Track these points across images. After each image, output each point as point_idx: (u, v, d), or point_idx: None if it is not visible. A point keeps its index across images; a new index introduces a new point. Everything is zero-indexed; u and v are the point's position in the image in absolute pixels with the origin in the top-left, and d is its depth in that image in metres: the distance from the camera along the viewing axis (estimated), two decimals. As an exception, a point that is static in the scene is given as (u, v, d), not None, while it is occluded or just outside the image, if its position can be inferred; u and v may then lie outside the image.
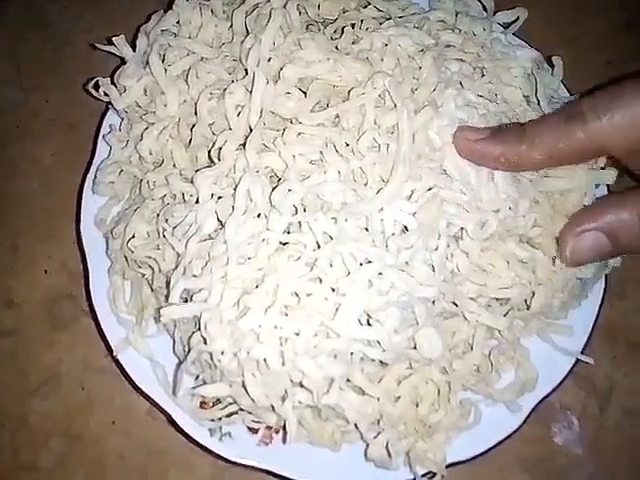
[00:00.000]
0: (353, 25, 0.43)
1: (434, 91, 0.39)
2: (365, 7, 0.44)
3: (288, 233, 0.37)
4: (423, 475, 0.39)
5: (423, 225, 0.36)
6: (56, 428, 0.45)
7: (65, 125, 0.52)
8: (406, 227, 0.37)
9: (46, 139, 0.52)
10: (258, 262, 0.36)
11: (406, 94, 0.39)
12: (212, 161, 0.40)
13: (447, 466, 0.39)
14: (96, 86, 0.43)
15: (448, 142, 0.38)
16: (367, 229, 0.37)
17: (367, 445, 0.38)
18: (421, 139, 0.38)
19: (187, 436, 0.40)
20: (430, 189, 0.37)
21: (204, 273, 0.36)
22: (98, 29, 0.54)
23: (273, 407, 0.36)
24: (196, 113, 0.41)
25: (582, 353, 0.42)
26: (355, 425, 0.37)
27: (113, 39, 0.43)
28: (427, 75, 0.40)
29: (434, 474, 0.39)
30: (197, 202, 0.38)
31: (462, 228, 0.38)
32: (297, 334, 0.35)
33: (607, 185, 0.44)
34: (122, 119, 0.45)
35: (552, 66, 0.45)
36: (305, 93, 0.40)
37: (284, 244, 0.37)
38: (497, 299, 0.40)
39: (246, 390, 0.36)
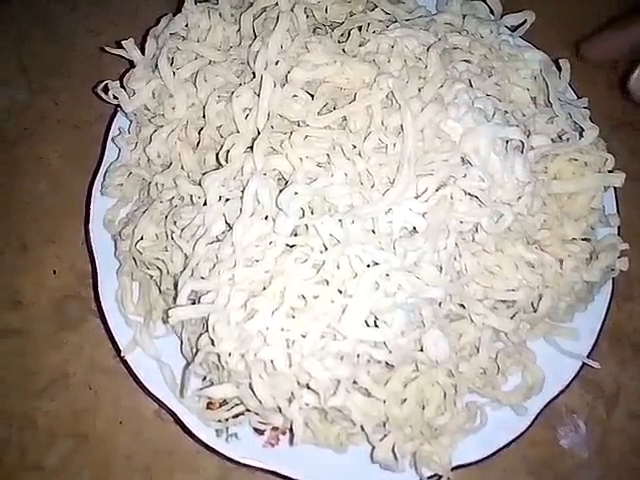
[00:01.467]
0: (360, 28, 0.43)
1: (441, 87, 0.39)
2: (372, 10, 0.45)
3: (295, 235, 0.37)
4: (429, 477, 0.39)
5: (432, 225, 0.37)
6: (63, 428, 0.45)
7: (73, 127, 0.52)
8: (415, 228, 0.37)
9: (54, 141, 0.52)
10: (265, 264, 0.36)
11: (412, 94, 0.39)
12: (220, 164, 0.40)
13: (453, 468, 0.39)
14: (105, 89, 0.43)
15: (470, 128, 0.38)
16: (374, 231, 0.37)
17: (373, 447, 0.38)
18: (430, 135, 0.38)
19: (194, 437, 0.40)
20: (439, 189, 0.37)
21: (212, 275, 0.37)
22: (105, 31, 0.54)
23: (280, 409, 0.36)
24: (204, 116, 0.41)
25: (589, 356, 0.42)
26: (361, 427, 0.37)
27: (122, 42, 0.43)
28: (433, 73, 0.40)
29: (440, 476, 0.39)
30: (205, 204, 0.39)
31: (475, 224, 0.38)
32: (304, 336, 0.35)
33: (615, 188, 0.44)
34: (131, 122, 0.45)
35: (559, 69, 0.45)
36: (312, 96, 0.40)
37: (291, 246, 0.37)
38: (503, 301, 0.40)
39: (253, 391, 0.36)
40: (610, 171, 0.41)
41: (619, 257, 0.42)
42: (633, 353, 0.48)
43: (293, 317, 0.36)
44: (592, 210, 0.42)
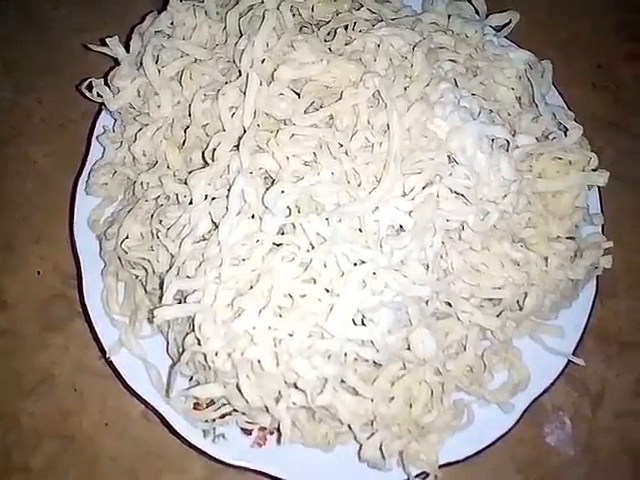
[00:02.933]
0: (346, 27, 0.43)
1: (427, 86, 0.39)
2: (358, 9, 0.45)
3: (282, 234, 0.37)
4: (417, 475, 0.39)
5: (419, 224, 0.37)
6: (48, 429, 0.44)
7: (59, 126, 0.52)
8: (401, 226, 0.37)
9: (40, 140, 0.51)
10: (252, 263, 0.36)
11: (398, 92, 0.39)
12: (206, 162, 0.40)
13: (441, 466, 0.39)
14: (89, 87, 0.43)
15: (456, 126, 0.38)
16: (361, 230, 0.37)
17: (360, 446, 0.38)
18: (416, 133, 0.38)
19: (180, 437, 0.40)
20: (425, 187, 0.37)
21: (198, 274, 0.36)
22: (91, 29, 0.54)
23: (267, 408, 0.36)
24: (190, 114, 0.41)
25: (574, 354, 0.42)
26: (349, 426, 0.37)
27: (107, 40, 0.43)
28: (419, 72, 0.40)
29: (427, 474, 0.39)
30: (191, 203, 0.38)
31: (462, 222, 0.38)
32: (291, 335, 0.35)
33: (598, 187, 0.45)
34: (115, 120, 0.45)
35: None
36: (298, 94, 0.40)
37: (278, 245, 0.37)
38: (490, 299, 0.40)
39: (240, 391, 0.36)
40: (594, 170, 0.42)
41: (603, 255, 0.43)
42: (618, 350, 0.48)
43: (280, 316, 0.36)
44: (576, 208, 0.42)
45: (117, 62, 0.44)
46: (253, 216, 0.37)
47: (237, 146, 0.39)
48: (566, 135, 0.42)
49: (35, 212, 0.49)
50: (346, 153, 0.38)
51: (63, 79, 0.53)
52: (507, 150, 0.40)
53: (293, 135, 0.38)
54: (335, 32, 0.43)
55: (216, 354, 0.36)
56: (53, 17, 0.55)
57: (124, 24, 0.48)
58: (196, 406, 0.40)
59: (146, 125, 0.41)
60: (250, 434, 0.41)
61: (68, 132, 0.51)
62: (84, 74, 0.44)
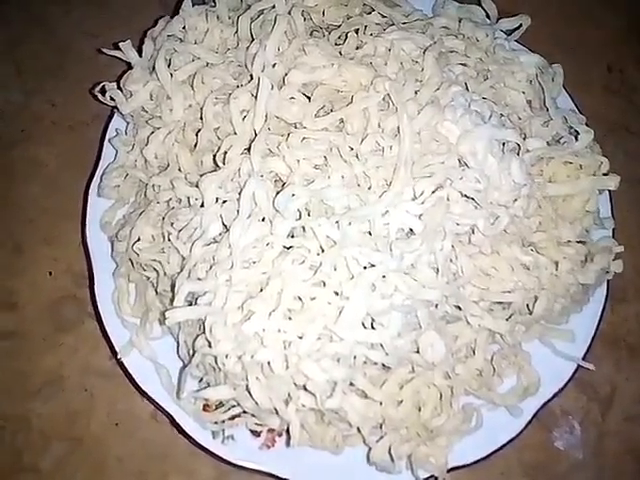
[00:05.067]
0: (357, 31, 0.43)
1: (438, 90, 0.39)
2: (369, 13, 0.45)
3: (292, 237, 0.37)
4: (425, 479, 0.39)
5: (429, 227, 0.37)
6: (58, 431, 0.45)
7: (69, 128, 0.52)
8: (411, 229, 0.37)
9: (50, 142, 0.52)
10: (262, 266, 0.36)
11: (409, 96, 0.39)
12: (217, 165, 0.40)
13: (449, 470, 0.39)
14: (102, 90, 0.43)
15: (467, 130, 0.38)
16: (370, 233, 0.37)
17: (369, 449, 0.39)
18: (426, 137, 0.38)
19: (190, 439, 0.40)
20: (435, 191, 0.37)
21: (209, 276, 0.37)
22: (101, 33, 0.54)
23: (276, 410, 0.36)
24: (201, 118, 0.41)
25: (584, 358, 0.42)
26: (358, 429, 0.38)
27: (119, 44, 0.44)
28: (430, 75, 0.40)
29: (436, 478, 0.39)
30: (202, 206, 0.39)
31: (472, 226, 0.38)
32: (300, 338, 0.35)
33: (609, 191, 0.45)
34: (128, 123, 0.45)
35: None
36: (309, 98, 0.40)
37: (288, 248, 0.37)
38: (499, 303, 0.40)
39: (250, 393, 0.36)
40: (605, 174, 0.42)
41: (614, 259, 0.42)
42: (628, 355, 0.48)
43: (290, 319, 0.36)
44: (587, 213, 0.42)
45: (129, 66, 0.44)
46: (264, 219, 0.37)
47: (248, 149, 0.39)
48: (577, 139, 0.42)
49: (45, 214, 0.50)
50: (356, 157, 0.38)
51: (73, 82, 0.53)
52: (518, 154, 0.40)
53: (304, 139, 0.39)
54: (346, 36, 0.43)
55: (226, 356, 0.36)
56: (63, 20, 0.56)
57: (133, 28, 0.48)
58: (205, 407, 0.40)
59: (158, 128, 0.42)
60: (259, 436, 0.41)
61: (78, 135, 0.52)
62: (94, 77, 0.44)
